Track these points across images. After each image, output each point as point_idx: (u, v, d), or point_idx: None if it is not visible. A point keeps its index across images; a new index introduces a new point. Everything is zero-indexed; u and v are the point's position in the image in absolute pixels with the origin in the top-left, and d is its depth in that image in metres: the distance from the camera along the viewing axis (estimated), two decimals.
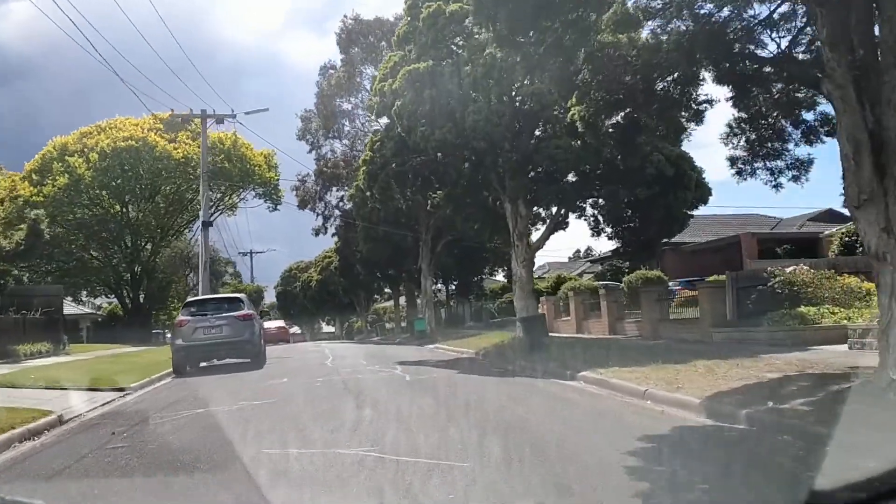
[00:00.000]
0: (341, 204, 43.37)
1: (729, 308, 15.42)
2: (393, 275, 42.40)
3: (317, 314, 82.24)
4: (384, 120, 21.58)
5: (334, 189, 42.92)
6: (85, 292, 49.44)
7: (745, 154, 10.71)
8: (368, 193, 22.23)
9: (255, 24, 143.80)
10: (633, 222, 19.88)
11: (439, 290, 51.96)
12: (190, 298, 19.46)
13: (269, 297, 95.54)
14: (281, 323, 48.82)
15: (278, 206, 44.50)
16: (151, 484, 5.71)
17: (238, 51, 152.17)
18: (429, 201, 22.04)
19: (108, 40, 58.18)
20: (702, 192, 17.22)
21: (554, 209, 20.40)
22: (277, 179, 44.16)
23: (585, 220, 21.44)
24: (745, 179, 10.70)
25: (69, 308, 47.45)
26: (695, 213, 24.99)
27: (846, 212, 15.88)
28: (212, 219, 46.38)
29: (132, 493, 5.66)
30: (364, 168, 19.39)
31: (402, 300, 54.82)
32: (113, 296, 46.10)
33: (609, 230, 21.29)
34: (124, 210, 41.26)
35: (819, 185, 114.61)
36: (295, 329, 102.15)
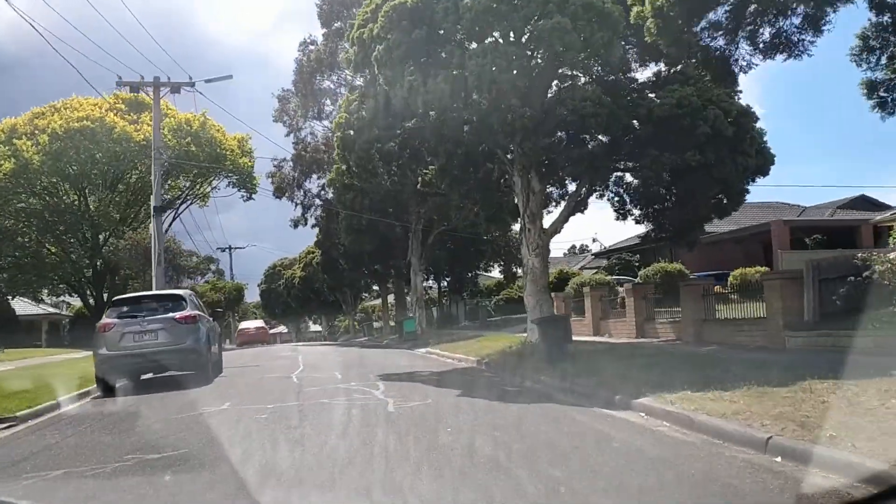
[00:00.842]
0: (323, 193, 39.66)
1: (808, 305, 11.90)
2: (380, 270, 38.72)
3: (302, 313, 78.56)
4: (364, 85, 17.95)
5: (315, 176, 39.14)
6: (46, 290, 45.48)
7: (891, 77, 7.12)
8: (344, 167, 18.57)
9: (246, 23, 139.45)
10: (669, 200, 16.28)
11: (430, 288, 48.29)
12: (119, 297, 15.73)
13: (254, 296, 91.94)
14: (260, 323, 45.16)
15: (253, 196, 40.89)
16: None
17: (227, 50, 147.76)
18: (419, 178, 18.47)
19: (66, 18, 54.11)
20: (763, 161, 13.65)
21: (573, 185, 16.82)
22: (252, 166, 40.50)
23: (609, 199, 17.88)
24: (892, 113, 7.10)
25: (26, 308, 43.49)
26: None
27: (882, 198, 12.28)
28: (181, 209, 42.93)
29: None
30: (339, 135, 15.73)
31: (392, 298, 51.21)
32: (77, 294, 42.18)
33: (637, 212, 17.73)
34: (82, 199, 37.42)
35: (844, 173, 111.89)
36: (281, 329, 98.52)
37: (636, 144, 13.48)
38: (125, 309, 13.74)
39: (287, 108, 39.42)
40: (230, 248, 62.39)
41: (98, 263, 38.41)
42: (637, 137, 13.26)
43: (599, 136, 13.72)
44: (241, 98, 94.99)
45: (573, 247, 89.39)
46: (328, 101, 37.38)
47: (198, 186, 41.17)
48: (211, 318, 15.89)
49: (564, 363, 11.93)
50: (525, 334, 22.54)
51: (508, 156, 16.06)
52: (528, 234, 15.75)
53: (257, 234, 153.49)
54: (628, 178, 17.54)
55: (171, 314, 13.47)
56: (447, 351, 19.74)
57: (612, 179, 17.44)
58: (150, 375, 14.16)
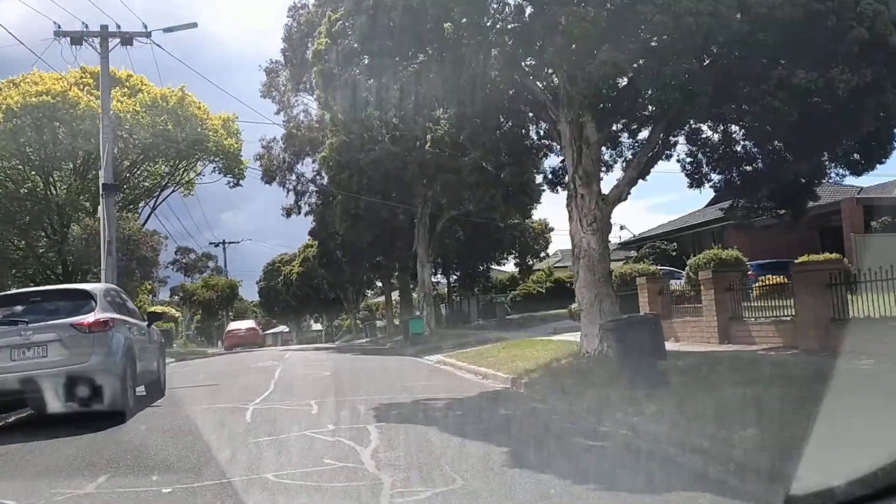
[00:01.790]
0: (318, 178, 35.35)
1: None
2: (382, 263, 34.37)
3: (302, 312, 74.39)
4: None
5: (309, 160, 34.80)
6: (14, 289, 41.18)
7: None
8: (328, 117, 14.21)
9: (247, 22, 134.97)
10: (773, 153, 11.87)
11: (438, 283, 43.92)
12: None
13: (255, 295, 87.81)
14: (251, 323, 40.95)
15: (240, 182, 36.43)
16: None
17: (228, 49, 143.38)
18: (428, 136, 14.12)
19: None
20: None
21: (642, 132, 12.35)
22: (239, 149, 36.11)
23: (679, 160, 13.45)
24: None
25: None
26: None
27: None
28: (161, 198, 38.65)
29: None
30: (318, 69, 11.40)
31: (396, 295, 46.90)
32: None
33: (715, 177, 13.33)
34: (49, 186, 33.13)
35: None
36: (282, 328, 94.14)
37: (750, 62, 9.04)
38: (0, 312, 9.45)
39: (276, 82, 35.14)
40: (224, 242, 58.18)
41: (68, 259, 34.10)
42: (753, 49, 8.82)
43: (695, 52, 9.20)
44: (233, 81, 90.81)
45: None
46: None
47: (180, 172, 36.83)
48: (146, 325, 11.58)
49: (660, 391, 7.59)
50: (563, 337, 18.25)
51: (550, 96, 11.67)
52: (580, 202, 11.35)
53: (262, 232, 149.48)
54: (705, 129, 13.18)
55: (68, 319, 9.18)
56: (465, 361, 15.39)
57: (685, 132, 13.05)
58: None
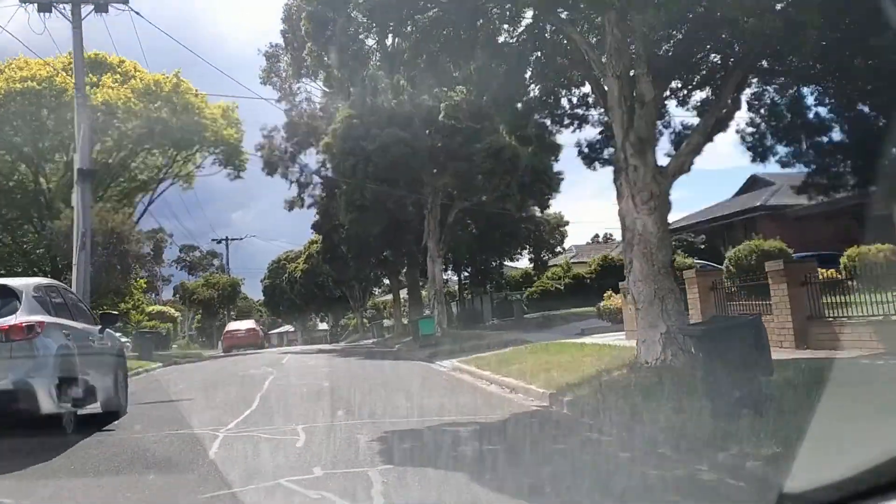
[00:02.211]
0: (322, 169, 33.26)
1: None
2: (389, 258, 32.25)
3: (307, 311, 72.40)
4: None
5: (312, 150, 32.71)
6: None
7: None
8: (322, 78, 12.07)
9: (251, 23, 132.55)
10: (859, 124, 9.66)
11: (449, 280, 41.79)
12: None
13: (259, 293, 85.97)
14: (251, 323, 38.90)
15: (241, 174, 34.38)
16: None
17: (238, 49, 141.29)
18: (442, 101, 11.93)
19: None
20: None
21: (700, 93, 10.13)
22: (240, 139, 34.05)
23: (738, 131, 11.24)
24: None
25: None
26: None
27: None
28: (159, 192, 36.62)
29: None
30: (307, 12, 9.20)
31: (405, 294, 44.83)
32: None
33: (781, 149, 11.12)
34: (38, 178, 31.17)
35: None
36: (287, 328, 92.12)
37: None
38: None
39: (276, 67, 33.08)
40: (227, 239, 56.17)
41: (57, 256, 32.13)
42: None
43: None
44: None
45: (596, 235, 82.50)
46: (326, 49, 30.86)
47: (178, 164, 34.79)
48: (98, 330, 9.46)
49: (774, 420, 5.42)
50: (596, 340, 16.11)
51: (593, 45, 9.48)
52: (633, 176, 9.15)
53: (272, 231, 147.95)
54: (771, 93, 10.98)
55: None
56: (488, 369, 13.22)
57: (748, 95, 10.84)
58: None
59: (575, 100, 12.15)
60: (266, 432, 7.70)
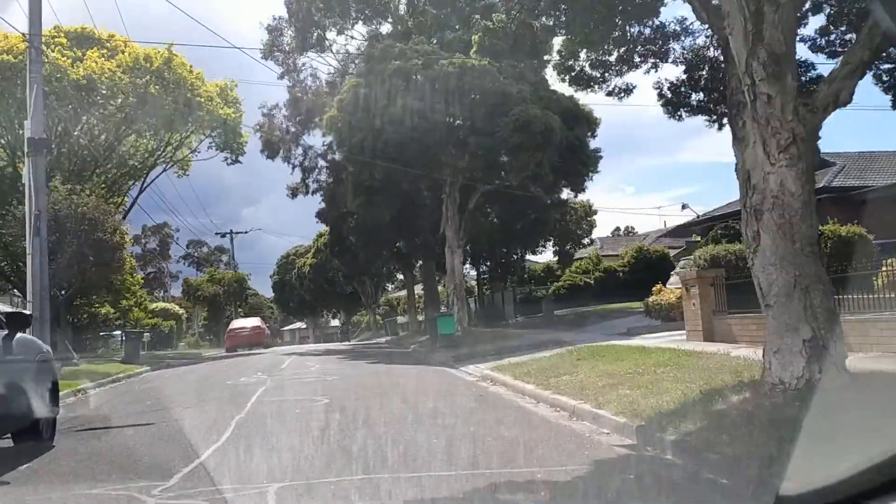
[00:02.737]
0: (329, 153, 30.43)
1: None
2: (403, 249, 29.40)
3: (317, 307, 69.80)
4: None
5: (317, 131, 29.90)
6: None
7: None
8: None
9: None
10: None
11: (467, 274, 38.94)
12: None
13: (267, 289, 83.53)
14: (256, 321, 36.22)
15: (239, 158, 31.65)
16: None
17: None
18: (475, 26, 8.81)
19: None
20: None
21: None
22: (239, 120, 31.29)
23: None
24: None
25: None
26: None
27: None
28: (151, 178, 33.88)
29: None
30: None
31: (419, 289, 42.04)
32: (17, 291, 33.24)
33: None
34: (15, 160, 28.56)
35: None
36: (299, 325, 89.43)
37: None
38: None
39: (279, 41, 30.28)
40: (231, 233, 53.55)
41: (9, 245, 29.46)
42: None
43: None
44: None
45: (617, 228, 79.11)
46: (332, 28, 28.01)
47: (170, 148, 32.08)
48: (4, 334, 6.67)
49: None
50: (655, 342, 13.16)
51: None
52: (763, 110, 6.18)
53: (286, 227, 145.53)
54: None
55: None
56: (529, 381, 10.33)
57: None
58: None
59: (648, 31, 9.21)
60: (220, 495, 4.88)
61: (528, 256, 41.08)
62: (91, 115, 27.22)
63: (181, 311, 48.67)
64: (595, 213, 39.04)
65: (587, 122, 22.95)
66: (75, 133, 27.68)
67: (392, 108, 20.31)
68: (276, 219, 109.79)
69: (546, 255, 45.55)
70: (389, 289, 62.47)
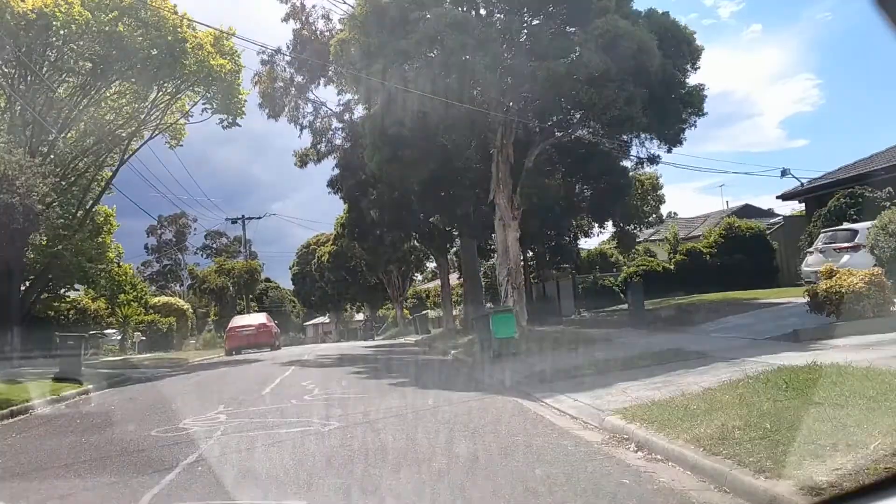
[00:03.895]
0: (348, 114, 24.64)
1: None
2: (439, 225, 23.53)
3: (340, 300, 64.31)
4: None
5: (331, 87, 24.16)
6: None
7: None
8: None
9: None
10: None
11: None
12: None
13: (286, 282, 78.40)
14: (261, 318, 30.66)
15: (237, 121, 25.99)
16: None
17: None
18: None
19: None
20: None
21: None
22: (237, 73, 25.60)
23: None
24: None
25: None
26: None
27: None
28: (129, 155, 28.26)
29: None
30: None
31: (455, 278, 36.27)
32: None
33: None
34: None
35: None
36: (322, 319, 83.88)
37: None
38: None
39: None
40: (243, 218, 47.99)
41: None
42: None
43: None
44: None
45: (671, 212, 72.31)
46: None
47: (156, 112, 26.51)
48: None
49: None
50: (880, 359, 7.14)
51: None
52: None
53: (314, 221, 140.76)
54: None
55: None
56: (751, 464, 4.34)
57: None
58: None
59: None
60: None
61: (584, 241, 35.06)
62: (46, 61, 21.77)
63: (186, 305, 43.45)
64: (661, 187, 32.88)
65: (688, 49, 16.84)
66: (21, 87, 22.13)
67: (424, 21, 14.44)
68: (306, 212, 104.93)
69: (591, 241, 39.27)
70: (418, 279, 56.78)
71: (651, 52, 14.81)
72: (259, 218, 47.63)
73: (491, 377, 11.74)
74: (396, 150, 15.94)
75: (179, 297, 48.71)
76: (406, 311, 47.88)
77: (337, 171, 23.52)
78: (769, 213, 39.85)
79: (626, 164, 20.74)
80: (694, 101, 16.67)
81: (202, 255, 54.48)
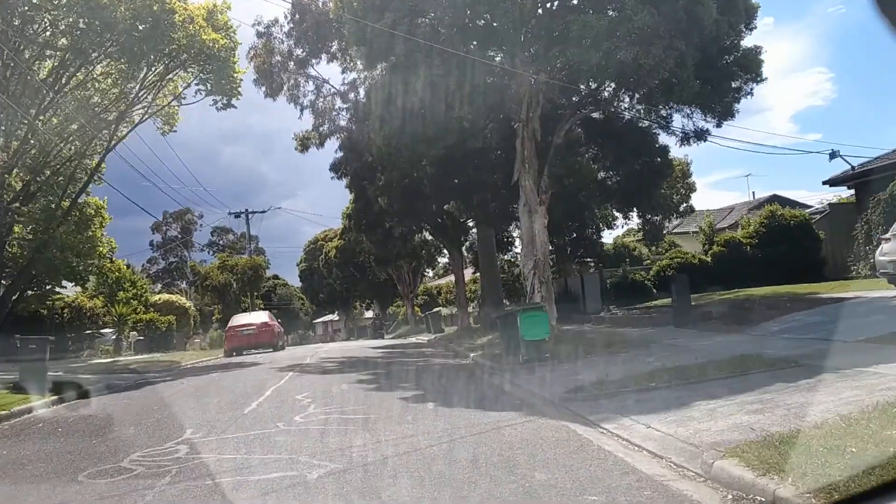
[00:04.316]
0: (353, 95, 22.53)
1: None
2: (451, 217, 21.41)
3: (349, 297, 62.36)
4: None
5: (335, 65, 22.03)
6: None
7: None
8: None
9: None
10: None
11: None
12: None
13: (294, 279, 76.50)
14: (263, 317, 28.65)
15: (233, 102, 23.89)
16: None
17: None
18: None
19: None
20: None
21: None
22: (233, 48, 23.50)
23: None
24: None
25: None
26: None
27: None
28: (116, 141, 26.20)
29: None
30: None
31: (470, 273, 34.23)
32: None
33: None
34: None
35: None
36: (331, 317, 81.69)
37: None
38: None
39: None
40: (247, 212, 46.01)
41: None
42: None
43: None
44: None
45: (683, 208, 70.02)
46: None
47: (144, 93, 24.45)
48: None
49: None
50: None
51: None
52: None
53: (325, 219, 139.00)
54: None
55: None
56: None
57: None
58: None
59: None
60: None
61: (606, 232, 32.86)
62: (20, 34, 19.74)
63: (188, 303, 41.55)
64: (692, 174, 30.59)
65: (743, 5, 14.60)
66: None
67: None
68: (317, 209, 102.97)
69: (611, 234, 37.29)
70: (429, 275, 54.65)
71: (704, 4, 12.61)
72: (263, 212, 45.73)
73: (526, 390, 9.61)
74: (406, 123, 13.80)
75: (185, 296, 46.79)
76: (417, 309, 45.81)
77: (341, 153, 21.41)
78: (800, 205, 37.56)
79: (666, 142, 18.56)
80: (751, 66, 14.43)
81: (208, 252, 52.55)
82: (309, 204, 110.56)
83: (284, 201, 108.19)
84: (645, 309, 19.68)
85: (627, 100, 16.67)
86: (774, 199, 42.24)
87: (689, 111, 15.30)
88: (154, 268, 77.41)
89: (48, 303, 27.76)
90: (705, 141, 15.73)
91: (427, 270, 47.17)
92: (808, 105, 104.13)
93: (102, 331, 34.34)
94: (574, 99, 15.91)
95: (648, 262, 30.83)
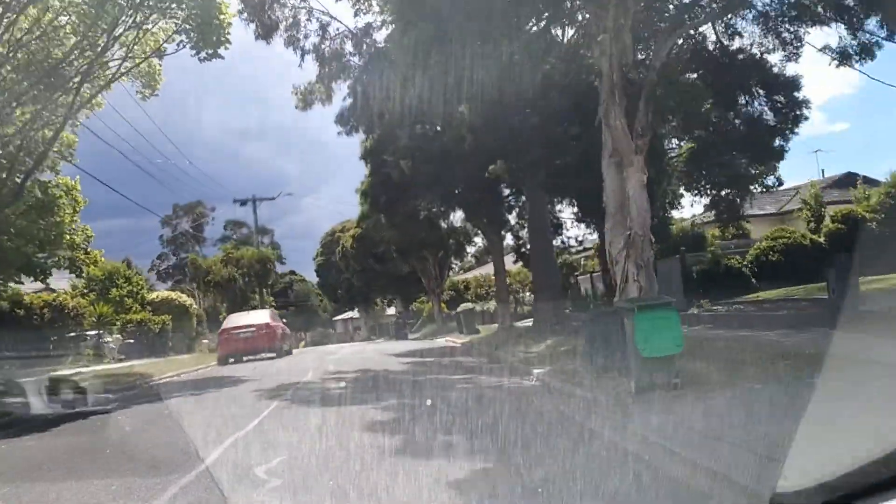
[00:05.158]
0: (368, 40, 17.89)
1: None
2: (491, 186, 16.69)
3: (369, 293, 57.75)
4: None
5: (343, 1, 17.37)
6: None
7: None
8: None
9: None
10: None
11: (585, 239, 25.77)
12: None
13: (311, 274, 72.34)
14: (263, 317, 24.10)
15: (218, 51, 19.30)
16: None
17: None
18: None
19: None
20: None
21: None
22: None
23: None
24: None
25: None
26: None
27: None
28: (79, 105, 21.64)
29: None
30: None
31: (510, 261, 29.28)
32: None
33: None
34: None
35: None
36: (352, 314, 77.03)
37: None
38: None
39: None
40: (254, 199, 41.52)
41: None
42: None
43: None
44: None
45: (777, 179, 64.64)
46: None
47: (118, 48, 20.03)
48: None
49: None
50: None
51: None
52: None
53: (347, 215, 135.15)
54: None
55: None
56: None
57: None
58: None
59: None
60: None
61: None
62: None
63: (188, 301, 37.27)
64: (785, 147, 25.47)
65: None
66: None
67: None
68: (340, 206, 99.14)
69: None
70: (456, 267, 49.85)
71: None
72: (272, 198, 41.27)
73: (679, 462, 4.84)
74: (440, 27, 9.09)
75: (194, 294, 42.62)
76: (443, 305, 41.06)
77: (350, 99, 16.73)
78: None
79: (795, 70, 13.66)
80: None
81: (219, 248, 48.50)
82: (333, 198, 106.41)
83: (305, 198, 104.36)
84: (754, 304, 14.82)
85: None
86: (850, 176, 36.83)
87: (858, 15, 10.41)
88: (164, 264, 73.73)
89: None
90: (873, 59, 10.83)
91: (454, 263, 42.43)
92: (836, 94, 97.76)
93: (89, 333, 30.28)
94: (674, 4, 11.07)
95: (713, 247, 25.92)
